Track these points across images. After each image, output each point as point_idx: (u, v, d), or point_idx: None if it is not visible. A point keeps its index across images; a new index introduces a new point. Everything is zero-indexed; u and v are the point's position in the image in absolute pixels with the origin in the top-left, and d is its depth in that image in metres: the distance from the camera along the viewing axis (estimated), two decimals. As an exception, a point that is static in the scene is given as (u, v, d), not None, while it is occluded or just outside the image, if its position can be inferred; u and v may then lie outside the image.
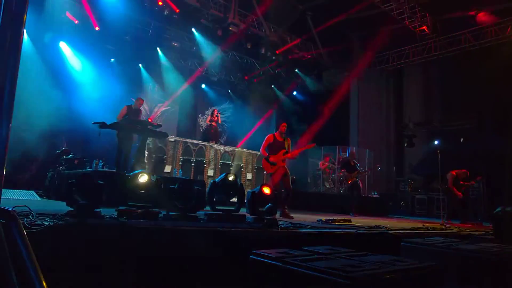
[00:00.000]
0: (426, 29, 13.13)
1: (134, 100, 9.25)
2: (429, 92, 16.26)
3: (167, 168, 9.91)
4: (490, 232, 5.99)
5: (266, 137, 7.28)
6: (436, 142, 14.06)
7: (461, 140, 14.28)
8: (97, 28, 11.76)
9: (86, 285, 2.86)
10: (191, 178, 9.68)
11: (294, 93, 18.04)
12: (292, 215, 6.67)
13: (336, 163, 13.94)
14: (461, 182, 9.81)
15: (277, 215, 6.40)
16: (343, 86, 17.11)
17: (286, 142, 7.24)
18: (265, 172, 7.39)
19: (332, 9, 13.38)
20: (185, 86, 15.66)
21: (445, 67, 15.08)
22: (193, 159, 10.37)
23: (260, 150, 7.28)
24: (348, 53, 16.45)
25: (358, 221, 6.82)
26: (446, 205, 10.09)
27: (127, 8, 11.66)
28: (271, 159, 7.01)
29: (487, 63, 13.07)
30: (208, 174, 10.42)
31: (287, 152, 7.13)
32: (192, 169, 10.30)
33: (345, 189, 12.33)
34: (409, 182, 14.95)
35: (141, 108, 9.03)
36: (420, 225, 7.00)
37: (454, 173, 9.85)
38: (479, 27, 12.95)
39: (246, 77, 16.93)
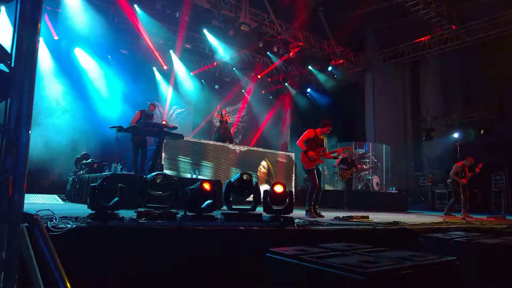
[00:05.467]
0: (441, 19, 12.83)
1: (148, 104, 9.39)
2: (446, 84, 15.91)
3: (184, 169, 10.02)
4: (513, 225, 5.86)
5: (307, 131, 6.80)
6: (455, 135, 13.82)
7: (482, 131, 13.94)
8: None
9: (109, 286, 2.93)
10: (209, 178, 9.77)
11: (308, 89, 17.97)
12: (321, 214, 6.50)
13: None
14: (467, 174, 9.45)
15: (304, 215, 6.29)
16: (358, 81, 16.99)
17: (324, 140, 6.95)
18: (303, 168, 6.76)
19: (344, 3, 13.24)
20: (199, 87, 15.79)
21: (462, 58, 14.70)
22: (209, 159, 10.47)
23: (298, 142, 6.79)
24: (361, 47, 16.28)
25: (376, 217, 6.76)
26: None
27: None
28: (310, 153, 6.57)
29: (506, 51, 12.72)
30: (224, 174, 10.52)
31: (324, 150, 6.83)
32: (208, 169, 10.41)
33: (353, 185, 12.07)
34: (429, 176, 14.69)
35: (153, 113, 9.18)
36: (440, 220, 6.87)
37: (460, 164, 9.54)
38: (497, 15, 12.58)
39: (260, 75, 16.87)
